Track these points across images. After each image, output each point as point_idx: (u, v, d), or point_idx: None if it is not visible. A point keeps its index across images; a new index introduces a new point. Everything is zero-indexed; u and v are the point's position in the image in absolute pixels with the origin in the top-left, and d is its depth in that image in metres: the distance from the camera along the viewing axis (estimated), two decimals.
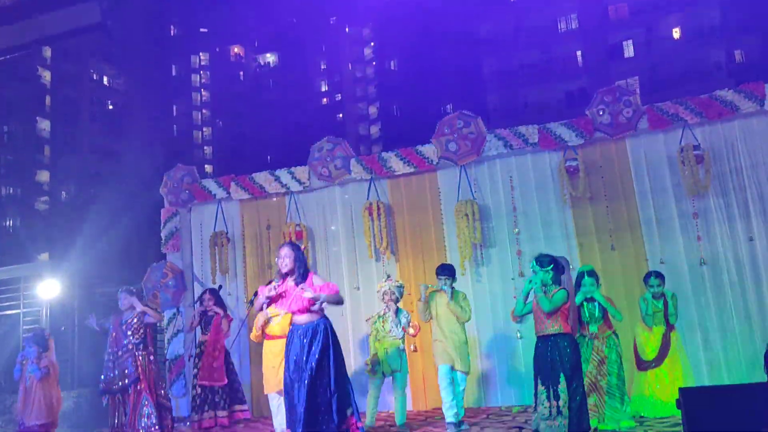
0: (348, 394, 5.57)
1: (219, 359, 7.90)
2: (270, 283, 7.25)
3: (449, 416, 6.34)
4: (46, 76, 40.20)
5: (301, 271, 5.51)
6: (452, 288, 6.57)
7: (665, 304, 6.43)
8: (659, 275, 6.55)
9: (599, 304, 6.05)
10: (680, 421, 4.29)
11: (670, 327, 6.45)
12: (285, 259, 5.53)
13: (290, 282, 5.53)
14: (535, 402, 5.21)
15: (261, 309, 5.77)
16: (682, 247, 7.44)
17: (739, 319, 7.12)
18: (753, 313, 7.08)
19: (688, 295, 7.28)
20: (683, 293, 7.23)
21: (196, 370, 8.03)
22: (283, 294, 5.53)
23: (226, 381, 7.94)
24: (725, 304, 7.20)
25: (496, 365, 7.95)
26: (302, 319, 5.50)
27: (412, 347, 7.80)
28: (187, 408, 8.84)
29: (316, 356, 5.36)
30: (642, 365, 6.48)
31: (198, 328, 8.24)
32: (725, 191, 7.38)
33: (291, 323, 5.68)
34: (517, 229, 8.05)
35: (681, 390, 3.01)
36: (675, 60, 29.15)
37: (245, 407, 8.13)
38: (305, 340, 5.42)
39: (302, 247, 5.76)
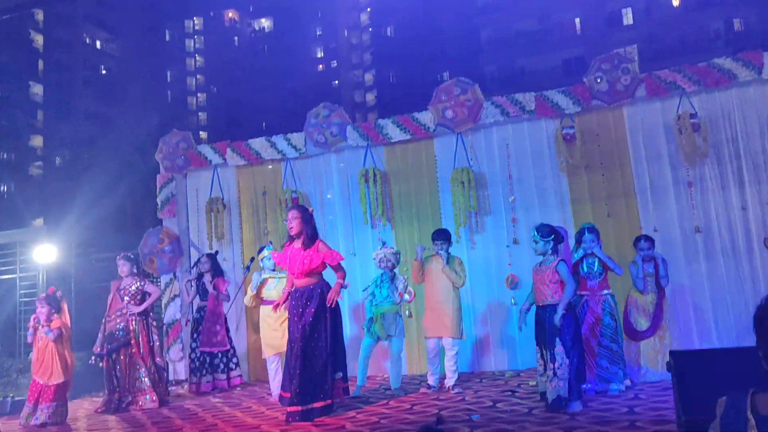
0: (340, 358, 5.68)
1: (219, 324, 8.01)
2: (262, 250, 7.33)
3: (431, 381, 6.70)
4: (39, 40, 39.68)
5: (309, 233, 5.58)
6: (448, 253, 6.66)
7: (656, 267, 6.48)
8: (648, 239, 6.61)
9: (599, 259, 6.10)
10: (671, 386, 4.38)
11: (662, 293, 6.52)
12: (292, 222, 5.60)
13: (297, 244, 5.61)
14: (543, 367, 5.36)
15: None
16: (676, 215, 7.49)
17: (731, 286, 7.19)
18: (744, 280, 7.15)
19: (680, 262, 7.35)
20: (676, 260, 7.30)
21: (195, 335, 8.13)
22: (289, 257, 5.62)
23: (228, 346, 8.07)
24: (717, 272, 7.27)
25: (490, 331, 8.04)
26: (301, 282, 5.59)
27: (407, 313, 7.90)
28: (184, 371, 8.95)
29: (310, 319, 5.46)
30: (636, 336, 6.51)
31: (197, 294, 8.33)
32: (720, 160, 7.39)
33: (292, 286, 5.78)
34: (512, 197, 8.07)
35: (672, 353, 3.07)
36: (674, 28, 28.96)
37: (239, 372, 8.26)
38: (301, 303, 5.53)
39: (309, 210, 5.82)
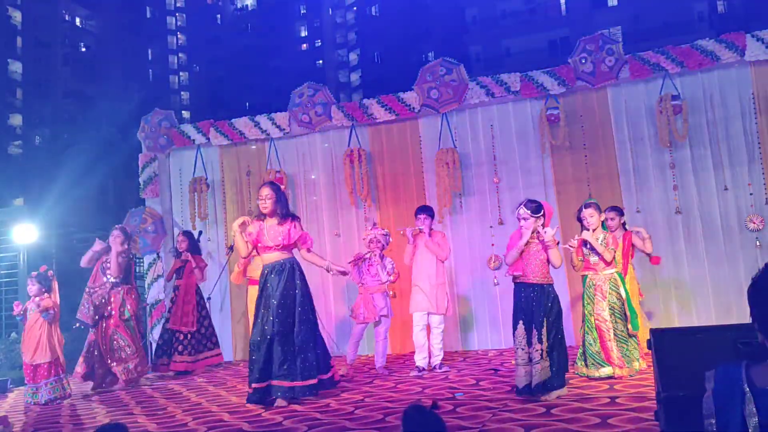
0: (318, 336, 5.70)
1: (191, 304, 7.97)
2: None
3: (418, 360, 6.61)
4: (17, 16, 38.97)
5: (283, 211, 5.55)
6: (431, 228, 6.68)
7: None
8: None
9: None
10: (650, 364, 4.46)
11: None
12: (266, 201, 5.54)
13: (270, 222, 5.54)
14: (528, 350, 4.98)
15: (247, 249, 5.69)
16: (658, 196, 7.56)
17: (711, 266, 7.29)
18: (723, 261, 7.25)
19: (661, 243, 7.42)
20: (657, 241, 7.38)
21: (168, 315, 8.11)
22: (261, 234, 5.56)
23: (195, 328, 8.01)
24: (698, 252, 7.37)
25: (474, 310, 8.11)
26: (273, 257, 5.55)
27: (391, 293, 7.94)
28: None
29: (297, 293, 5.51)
30: None
31: (175, 273, 8.28)
32: (702, 142, 7.46)
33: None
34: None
35: (652, 331, 3.12)
36: (658, 9, 29.00)
37: (218, 351, 8.22)
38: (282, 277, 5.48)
39: (282, 187, 5.79)
